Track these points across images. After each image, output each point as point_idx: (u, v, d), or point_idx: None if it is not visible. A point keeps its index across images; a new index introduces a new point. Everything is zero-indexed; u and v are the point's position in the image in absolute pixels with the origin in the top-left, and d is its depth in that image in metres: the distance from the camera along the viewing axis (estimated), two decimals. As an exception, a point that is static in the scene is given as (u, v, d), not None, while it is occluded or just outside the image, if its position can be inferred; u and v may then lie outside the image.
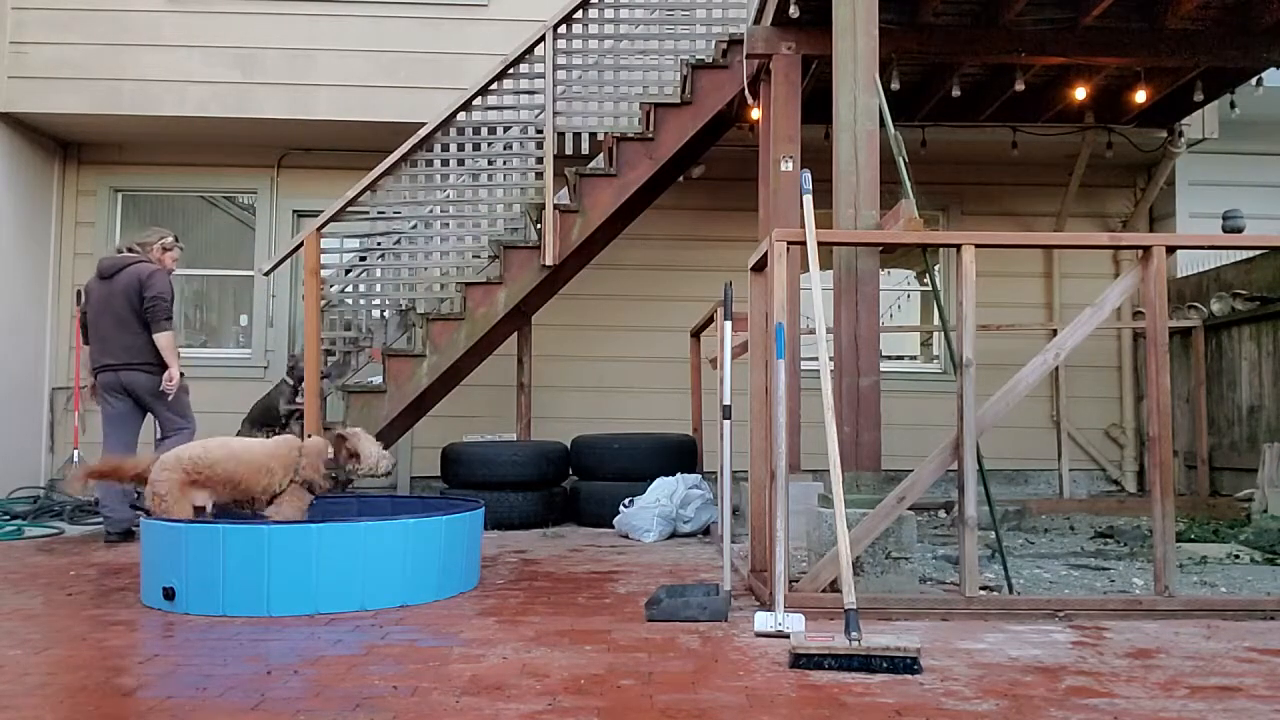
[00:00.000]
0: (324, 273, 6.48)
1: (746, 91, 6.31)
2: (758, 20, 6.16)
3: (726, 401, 4.13)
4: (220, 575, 3.76)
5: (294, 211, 8.45)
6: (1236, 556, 5.08)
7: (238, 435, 6.66)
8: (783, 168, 5.93)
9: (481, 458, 6.65)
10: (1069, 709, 2.58)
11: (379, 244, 6.68)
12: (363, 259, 6.72)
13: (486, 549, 5.20)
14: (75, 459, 7.77)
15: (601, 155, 6.83)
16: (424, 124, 6.56)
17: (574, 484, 6.97)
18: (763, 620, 3.43)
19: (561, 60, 6.59)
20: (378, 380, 6.53)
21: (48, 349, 8.25)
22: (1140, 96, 7.16)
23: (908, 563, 3.96)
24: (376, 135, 7.72)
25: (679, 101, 6.48)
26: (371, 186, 6.50)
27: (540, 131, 6.60)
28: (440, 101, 6.83)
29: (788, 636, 3.24)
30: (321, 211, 6.50)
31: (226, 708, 2.58)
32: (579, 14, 6.58)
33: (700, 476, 6.51)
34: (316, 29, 7.76)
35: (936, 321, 7.20)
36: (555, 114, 6.56)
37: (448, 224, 6.76)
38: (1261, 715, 2.56)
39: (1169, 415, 3.84)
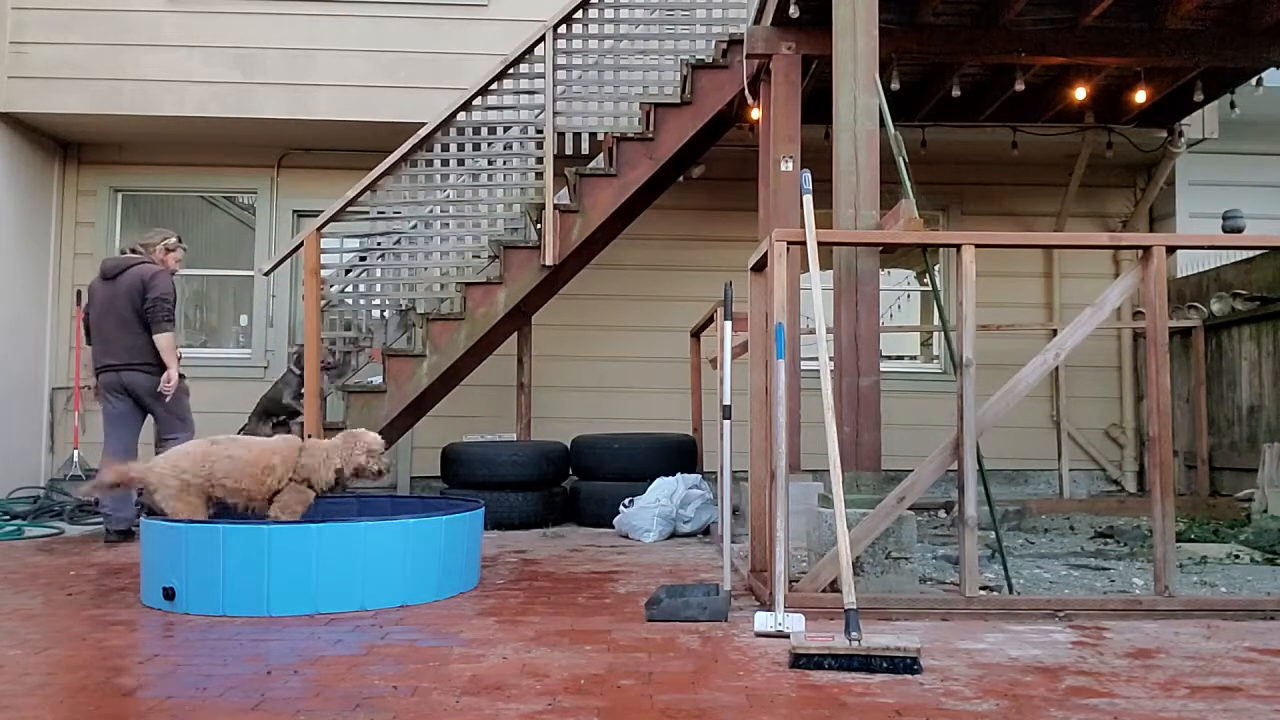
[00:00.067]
0: (324, 273, 6.48)
1: (746, 91, 6.31)
2: (758, 20, 6.16)
3: (726, 401, 4.13)
4: (220, 575, 3.76)
5: (294, 211, 8.45)
6: (1236, 556, 5.08)
7: (244, 428, 6.69)
8: (783, 168, 5.93)
9: (481, 458, 6.66)
10: (1069, 709, 2.58)
11: (379, 244, 6.68)
12: (363, 259, 6.72)
13: (486, 549, 5.20)
14: (75, 459, 7.78)
15: (601, 155, 6.83)
16: (424, 124, 6.56)
17: (574, 484, 6.97)
18: (763, 620, 3.43)
19: (561, 60, 6.59)
20: (378, 380, 6.54)
21: (48, 349, 8.25)
22: (1140, 96, 7.16)
23: (908, 563, 3.96)
24: (376, 135, 7.72)
25: (679, 101, 6.48)
26: (371, 186, 6.49)
27: (540, 131, 6.60)
28: (440, 101, 6.83)
29: (788, 636, 3.24)
30: (321, 211, 6.50)
31: (226, 708, 2.58)
32: (579, 14, 6.58)
33: (700, 476, 6.51)
34: (316, 29, 7.76)
35: (936, 321, 7.21)
36: (555, 114, 6.56)
37: (448, 224, 6.76)
38: (1261, 715, 2.56)
39: (1169, 415, 3.84)
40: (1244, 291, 7.17)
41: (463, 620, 3.67)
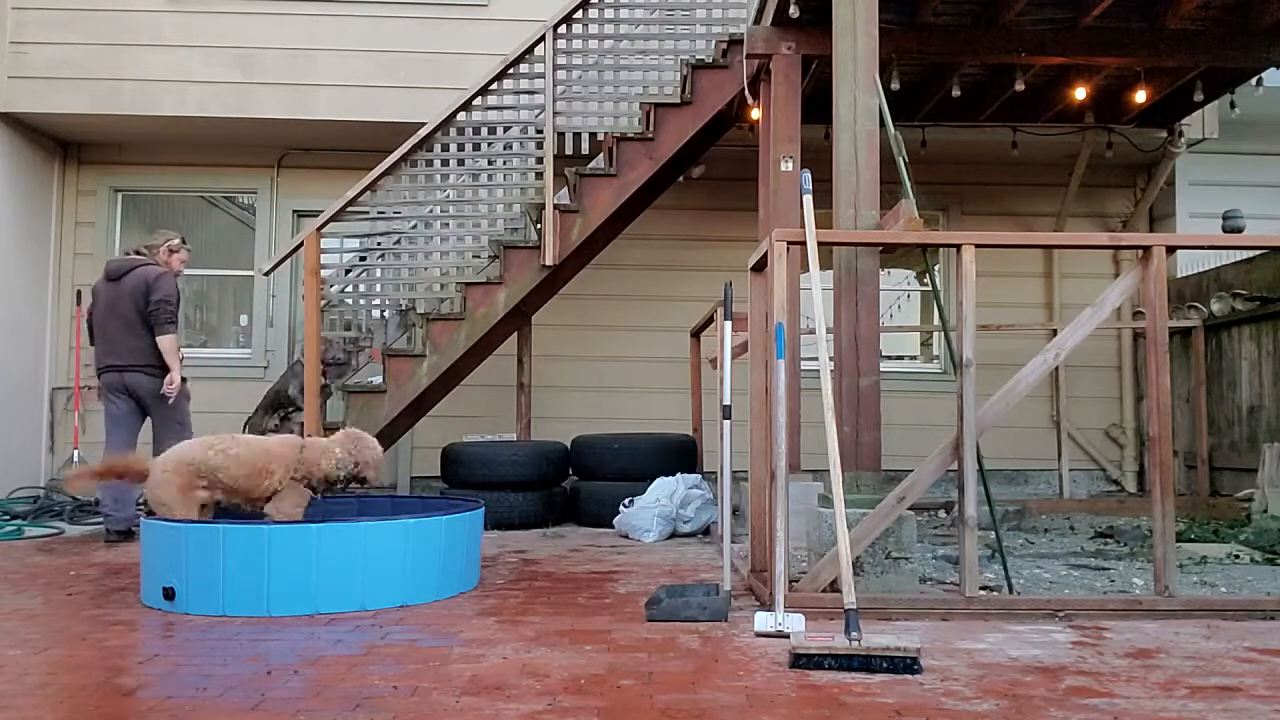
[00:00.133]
0: (324, 273, 6.48)
1: (746, 91, 6.31)
2: (758, 20, 6.16)
3: (726, 401, 4.13)
4: (220, 575, 3.76)
5: (294, 211, 8.45)
6: (1236, 556, 5.08)
7: (248, 422, 6.68)
8: (783, 168, 5.93)
9: (481, 458, 6.66)
10: (1069, 709, 2.58)
11: (379, 244, 6.68)
12: (363, 259, 6.72)
13: (486, 549, 5.20)
14: (75, 459, 7.78)
15: (601, 155, 6.83)
16: (424, 124, 6.56)
17: (574, 484, 6.97)
18: (763, 620, 3.43)
19: (561, 60, 6.59)
20: (378, 380, 6.54)
21: (48, 349, 8.25)
22: (1140, 96, 7.16)
23: (908, 563, 3.96)
24: (376, 135, 7.72)
25: (679, 101, 6.48)
26: (371, 186, 6.49)
27: (540, 131, 6.60)
28: (440, 101, 6.83)
29: (788, 636, 3.24)
30: (321, 211, 6.50)
31: (226, 708, 2.58)
32: (579, 14, 6.58)
33: (700, 476, 6.51)
34: (316, 29, 7.76)
35: (936, 321, 7.20)
36: (555, 114, 6.56)
37: (448, 224, 6.76)
38: (1261, 715, 2.56)
39: (1169, 415, 3.84)
40: (1244, 291, 7.17)
41: (463, 620, 3.67)
